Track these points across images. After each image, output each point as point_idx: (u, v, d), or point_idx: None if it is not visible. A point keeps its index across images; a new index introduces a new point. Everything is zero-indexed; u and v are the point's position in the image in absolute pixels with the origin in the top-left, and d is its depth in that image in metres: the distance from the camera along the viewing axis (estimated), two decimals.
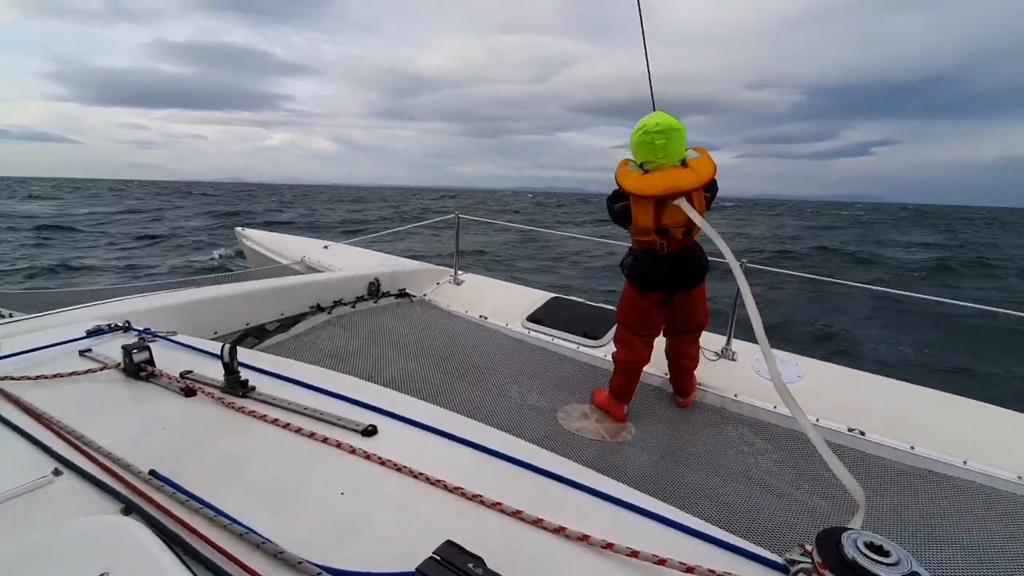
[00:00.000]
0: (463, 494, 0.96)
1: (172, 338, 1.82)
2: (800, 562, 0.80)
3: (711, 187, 2.20)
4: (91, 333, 1.83)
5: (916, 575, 0.66)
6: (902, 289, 3.07)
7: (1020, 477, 2.12)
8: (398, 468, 1.03)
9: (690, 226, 2.24)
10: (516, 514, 0.91)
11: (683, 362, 2.69)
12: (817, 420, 2.51)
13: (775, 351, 3.00)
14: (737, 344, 3.01)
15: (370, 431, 1.17)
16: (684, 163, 2.19)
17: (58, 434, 1.13)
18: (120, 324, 1.93)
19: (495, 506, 0.93)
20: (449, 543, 0.77)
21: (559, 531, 0.87)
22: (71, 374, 1.45)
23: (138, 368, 1.46)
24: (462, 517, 0.92)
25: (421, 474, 1.01)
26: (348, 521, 0.90)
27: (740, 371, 2.89)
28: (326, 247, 5.18)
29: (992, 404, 2.47)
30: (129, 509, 0.90)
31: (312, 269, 4.73)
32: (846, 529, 0.72)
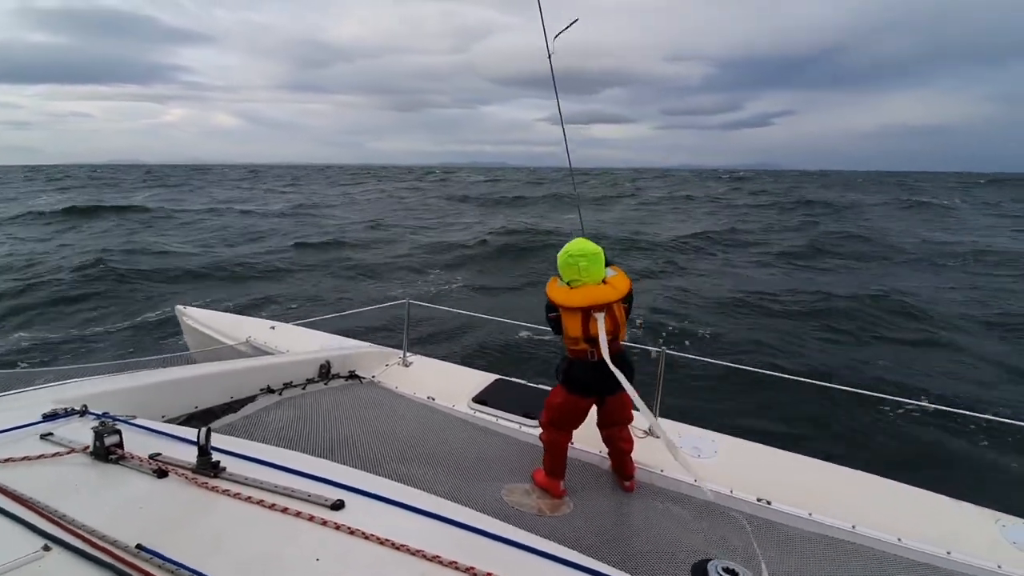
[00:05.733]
0: (424, 556, 1.14)
1: (133, 422, 1.89)
2: None
3: (628, 299, 2.67)
4: (48, 417, 1.88)
5: None
6: None
7: (900, 540, 2.46)
8: (366, 537, 1.20)
9: (616, 334, 2.61)
10: None
11: (620, 445, 2.93)
12: (731, 491, 2.80)
13: (694, 428, 3.33)
14: (662, 422, 3.32)
15: (338, 505, 1.33)
16: (604, 281, 2.65)
17: (40, 513, 1.22)
18: (76, 408, 1.98)
19: (451, 565, 1.11)
20: None
21: None
22: (39, 457, 1.51)
23: (108, 451, 1.54)
24: None
25: (387, 540, 1.18)
26: None
27: (665, 447, 3.17)
28: (273, 327, 5.19)
29: (878, 476, 2.86)
30: None
31: (258, 350, 4.72)
32: (711, 560, 0.97)
